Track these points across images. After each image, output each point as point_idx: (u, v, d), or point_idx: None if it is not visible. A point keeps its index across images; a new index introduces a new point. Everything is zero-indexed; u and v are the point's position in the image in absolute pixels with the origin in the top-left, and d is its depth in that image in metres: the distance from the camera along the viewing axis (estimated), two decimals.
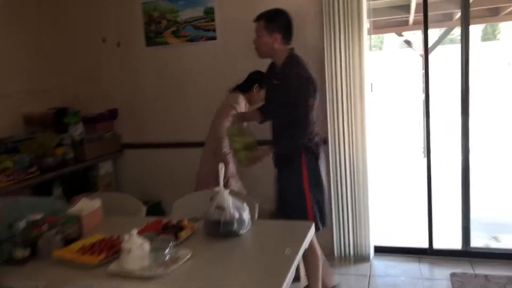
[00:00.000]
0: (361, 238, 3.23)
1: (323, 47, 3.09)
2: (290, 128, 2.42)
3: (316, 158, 2.52)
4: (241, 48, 3.33)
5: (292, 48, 2.50)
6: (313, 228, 1.93)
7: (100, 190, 3.61)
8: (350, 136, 3.13)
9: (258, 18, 2.47)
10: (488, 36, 17.47)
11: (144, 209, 2.36)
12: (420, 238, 3.43)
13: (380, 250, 3.37)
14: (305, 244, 1.82)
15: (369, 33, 3.11)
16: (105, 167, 3.72)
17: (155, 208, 3.56)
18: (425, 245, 3.34)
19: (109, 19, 3.63)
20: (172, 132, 3.66)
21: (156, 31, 3.52)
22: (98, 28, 3.68)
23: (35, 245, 1.85)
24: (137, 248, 1.60)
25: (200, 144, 3.54)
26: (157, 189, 3.70)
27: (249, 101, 2.99)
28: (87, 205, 2.15)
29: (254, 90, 2.97)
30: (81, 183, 3.59)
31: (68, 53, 3.79)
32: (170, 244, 1.66)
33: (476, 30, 14.41)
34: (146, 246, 1.62)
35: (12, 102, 3.45)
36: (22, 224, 1.86)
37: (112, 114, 3.74)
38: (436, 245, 3.31)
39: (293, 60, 2.46)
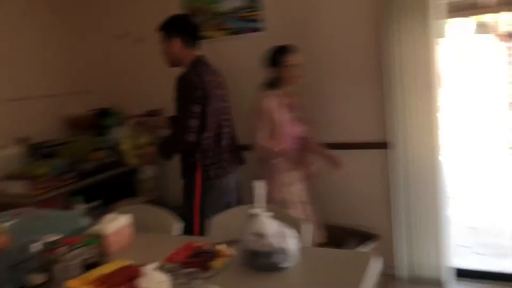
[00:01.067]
0: (434, 257, 2.75)
1: (379, 36, 2.67)
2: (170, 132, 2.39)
3: (209, 179, 2.37)
4: (290, 38, 2.97)
5: (200, 55, 2.46)
6: (375, 261, 1.55)
7: (142, 196, 3.42)
8: (418, 136, 2.68)
9: (158, 28, 2.47)
10: None
11: (178, 226, 2.08)
12: None
13: (462, 274, 2.86)
14: (368, 281, 1.45)
15: (440, 17, 2.64)
16: (148, 171, 3.51)
17: None
18: None
19: (146, 15, 3.39)
20: None
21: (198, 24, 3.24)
22: (136, 26, 3.45)
23: (51, 270, 1.63)
24: None
25: (246, 148, 3.26)
26: None
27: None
28: (114, 222, 1.90)
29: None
30: (123, 188, 3.42)
31: (107, 53, 3.62)
32: (196, 281, 1.35)
33: None
34: (166, 286, 1.32)
35: (52, 104, 3.35)
36: (37, 247, 1.63)
37: (153, 115, 3.51)
38: None
39: (195, 64, 2.40)
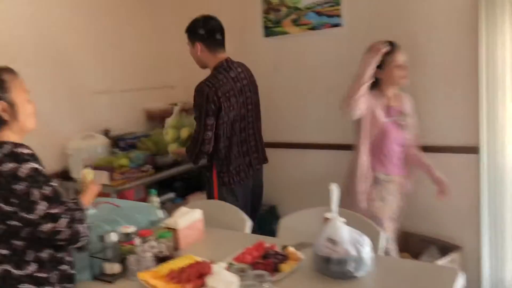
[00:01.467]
0: None
1: (475, 34, 2.45)
2: None
3: (224, 185, 2.42)
4: (371, 35, 2.82)
5: (224, 59, 2.42)
6: (461, 278, 1.41)
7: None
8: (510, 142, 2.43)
9: (185, 31, 2.48)
10: None
11: (249, 225, 2.06)
12: None
13: None
14: None
15: None
16: None
17: (270, 213, 3.28)
18: None
19: (227, 10, 3.41)
20: (289, 132, 3.33)
21: (275, 19, 3.20)
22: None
23: (126, 261, 1.68)
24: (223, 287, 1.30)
25: (319, 146, 3.17)
26: (274, 192, 3.41)
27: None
28: (186, 216, 1.92)
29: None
30: (197, 181, 3.49)
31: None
32: (265, 285, 1.31)
33: None
34: (235, 286, 1.30)
35: (135, 98, 3.49)
36: (113, 237, 1.69)
37: None
38: None
39: (217, 70, 2.39)
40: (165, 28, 3.70)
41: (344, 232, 1.43)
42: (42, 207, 1.35)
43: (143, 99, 3.59)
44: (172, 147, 2.64)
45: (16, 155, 1.39)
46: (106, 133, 3.20)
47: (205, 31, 2.40)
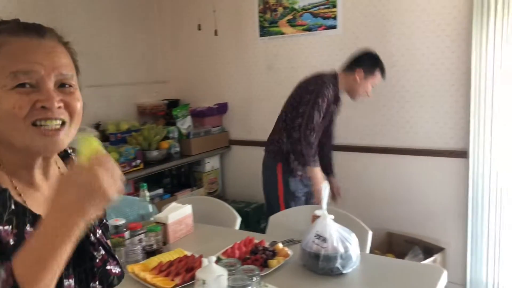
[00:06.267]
0: (505, 277, 2.55)
1: (467, 38, 2.49)
2: None
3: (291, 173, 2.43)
4: (365, 38, 2.86)
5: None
6: (445, 276, 1.44)
7: (204, 187, 3.47)
8: (498, 148, 2.47)
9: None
10: None
11: (238, 221, 2.08)
12: None
13: None
14: None
15: None
16: (211, 163, 3.56)
17: (259, 211, 3.29)
18: None
19: (224, 8, 3.41)
20: None
21: (271, 19, 3.22)
22: (212, 19, 3.47)
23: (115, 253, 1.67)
24: (212, 281, 1.30)
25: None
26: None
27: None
28: (175, 211, 1.93)
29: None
30: (186, 179, 3.49)
31: (183, 45, 3.70)
32: (254, 279, 1.32)
33: None
34: (224, 280, 1.30)
35: (127, 92, 3.48)
36: None
37: (222, 109, 3.55)
38: None
39: None
40: (159, 23, 3.70)
41: (333, 229, 1.45)
42: None
43: (137, 94, 3.58)
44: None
45: None
46: (97, 126, 3.18)
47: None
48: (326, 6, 2.97)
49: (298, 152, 2.30)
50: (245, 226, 2.86)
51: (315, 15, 3.03)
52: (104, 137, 3.15)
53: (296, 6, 3.09)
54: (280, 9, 3.16)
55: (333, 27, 2.97)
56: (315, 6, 3.01)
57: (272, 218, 2.02)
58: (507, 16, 2.35)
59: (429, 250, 2.63)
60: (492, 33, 2.39)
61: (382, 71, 2.38)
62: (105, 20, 3.30)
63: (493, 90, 2.44)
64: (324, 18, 2.99)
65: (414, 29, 2.70)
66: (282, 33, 3.18)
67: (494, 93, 2.43)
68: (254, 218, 3.26)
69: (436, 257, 2.56)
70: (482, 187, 2.52)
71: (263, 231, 2.10)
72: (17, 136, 0.72)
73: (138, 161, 2.93)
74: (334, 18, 2.96)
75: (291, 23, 3.13)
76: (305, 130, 2.26)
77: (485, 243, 2.56)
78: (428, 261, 2.47)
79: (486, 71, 2.43)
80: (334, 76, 2.39)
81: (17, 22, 0.76)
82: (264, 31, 3.26)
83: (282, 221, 1.98)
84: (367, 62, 2.36)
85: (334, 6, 2.94)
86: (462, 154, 2.62)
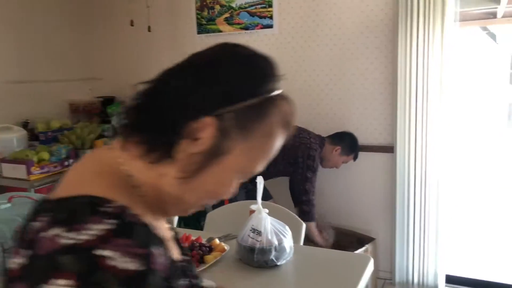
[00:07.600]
0: (428, 264, 2.73)
1: (393, 39, 2.63)
2: None
3: None
4: (300, 38, 2.95)
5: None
6: (372, 264, 1.53)
7: None
8: (423, 144, 2.64)
9: None
10: None
11: (175, 218, 2.06)
12: (506, 271, 2.87)
13: (453, 281, 2.85)
14: (363, 283, 1.43)
15: (455, 25, 2.58)
16: None
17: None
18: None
19: (162, 3, 3.37)
20: None
21: (209, 17, 3.22)
22: (145, 15, 3.40)
23: None
24: None
25: None
26: None
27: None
28: None
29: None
30: None
31: (117, 42, 3.61)
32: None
33: None
34: None
35: (58, 89, 3.34)
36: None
37: None
38: None
39: None
40: (92, 19, 3.58)
41: (267, 223, 1.49)
42: None
43: (69, 91, 3.44)
44: None
45: None
46: (24, 125, 3.03)
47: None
48: (263, 5, 3.02)
49: (306, 212, 2.57)
50: (184, 224, 2.85)
51: (252, 14, 3.07)
52: (33, 136, 3.01)
53: (233, 5, 3.11)
54: (217, 7, 3.17)
55: (270, 26, 3.03)
56: (252, 5, 3.05)
57: (210, 215, 2.03)
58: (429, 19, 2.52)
59: (361, 240, 2.76)
60: (415, 37, 2.55)
61: (355, 157, 2.77)
62: (27, 11, 3.13)
63: (417, 89, 2.60)
64: (261, 17, 3.04)
65: (346, 31, 2.82)
66: (220, 31, 3.19)
67: (418, 92, 2.60)
68: (193, 217, 3.25)
69: (367, 246, 2.69)
70: (408, 180, 2.69)
71: (203, 229, 2.11)
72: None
73: (71, 161, 2.82)
74: (271, 17, 3.01)
75: (229, 21, 3.15)
76: (312, 194, 2.59)
77: (411, 233, 2.73)
78: (360, 251, 2.59)
79: (411, 72, 2.59)
80: (322, 143, 2.69)
81: None
82: (202, 29, 3.25)
83: (220, 217, 1.99)
84: (347, 142, 2.73)
85: (270, 6, 3.00)
86: (390, 149, 2.77)
